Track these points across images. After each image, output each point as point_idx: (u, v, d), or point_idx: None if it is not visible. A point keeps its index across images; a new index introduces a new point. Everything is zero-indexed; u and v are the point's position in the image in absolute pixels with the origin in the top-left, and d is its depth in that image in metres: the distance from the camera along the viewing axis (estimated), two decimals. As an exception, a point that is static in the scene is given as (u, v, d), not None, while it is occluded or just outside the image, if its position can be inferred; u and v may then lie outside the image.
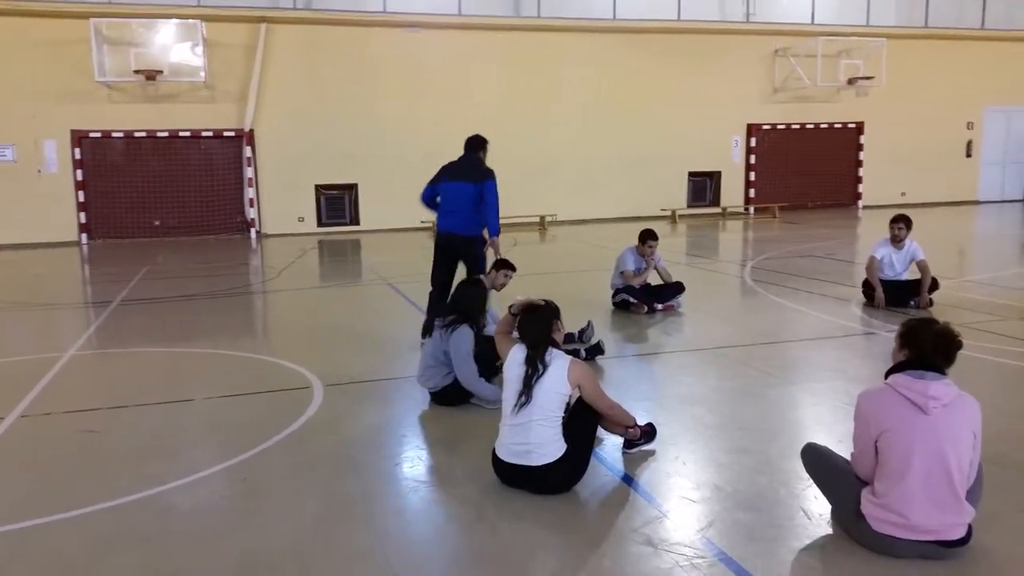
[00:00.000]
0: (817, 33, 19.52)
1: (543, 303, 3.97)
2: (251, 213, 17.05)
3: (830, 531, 3.29)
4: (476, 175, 6.78)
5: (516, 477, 3.67)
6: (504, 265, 6.42)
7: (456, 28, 17.73)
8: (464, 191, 6.75)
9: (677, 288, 8.23)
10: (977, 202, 22.01)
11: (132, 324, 8.31)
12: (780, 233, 16.08)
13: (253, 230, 17.01)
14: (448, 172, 6.97)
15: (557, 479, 3.63)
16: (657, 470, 4.01)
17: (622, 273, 8.12)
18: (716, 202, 20.33)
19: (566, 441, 3.63)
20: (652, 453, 4.20)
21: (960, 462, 2.96)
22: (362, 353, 6.69)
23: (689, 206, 20.05)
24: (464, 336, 4.95)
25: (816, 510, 3.45)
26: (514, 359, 3.76)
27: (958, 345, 3.07)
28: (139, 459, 4.33)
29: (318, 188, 17.59)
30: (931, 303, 7.91)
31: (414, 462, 4.28)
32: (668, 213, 19.39)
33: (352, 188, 17.79)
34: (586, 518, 3.55)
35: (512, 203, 18.32)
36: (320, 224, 17.69)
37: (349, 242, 16.38)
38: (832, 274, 10.36)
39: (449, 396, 5.02)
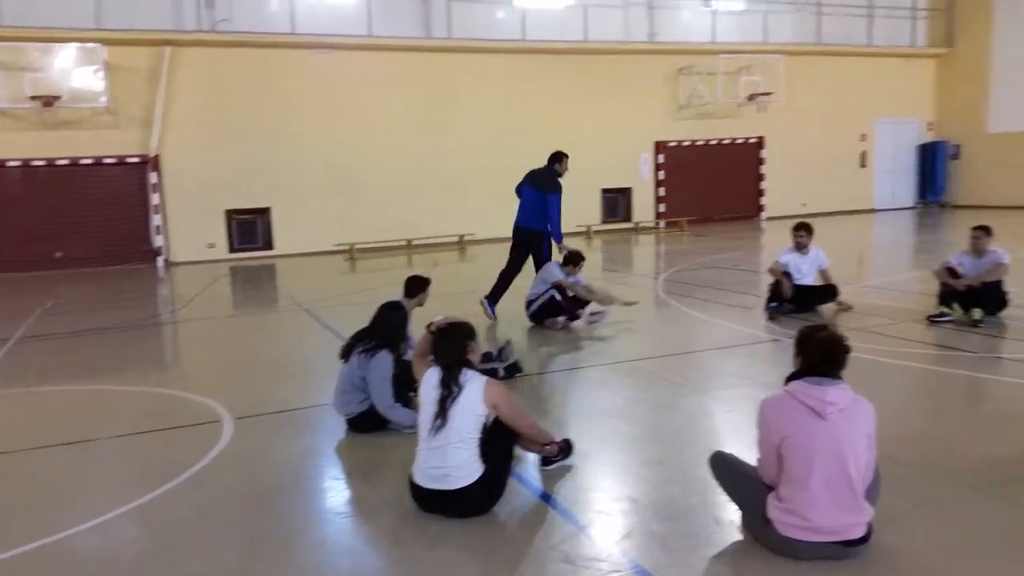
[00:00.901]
0: (718, 51, 20.28)
1: (459, 323, 3.97)
2: (158, 241, 16.46)
3: (740, 537, 3.39)
4: (544, 186, 8.52)
5: (434, 502, 3.65)
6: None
7: (366, 49, 17.64)
8: (533, 196, 8.59)
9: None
10: (873, 210, 23.19)
11: (31, 362, 7.88)
12: (689, 246, 16.57)
13: (160, 259, 16.42)
14: (529, 177, 8.94)
15: (475, 501, 3.62)
16: (575, 485, 4.06)
17: (554, 283, 8.13)
18: (628, 217, 20.77)
19: (483, 462, 3.64)
20: (570, 468, 4.25)
21: (858, 464, 3.09)
22: (276, 382, 6.54)
23: (603, 222, 20.44)
24: (382, 361, 4.88)
25: (727, 517, 3.55)
26: (429, 382, 3.75)
27: (843, 351, 3.17)
28: (36, 506, 4.11)
29: (229, 213, 17.12)
30: (847, 307, 8.27)
31: (331, 493, 4.20)
32: (583, 229, 19.70)
33: (264, 212, 17.40)
34: (504, 539, 3.56)
35: (429, 223, 18.50)
36: (232, 250, 17.20)
37: (263, 267, 16.01)
38: (738, 284, 10.73)
39: (366, 423, 4.94)
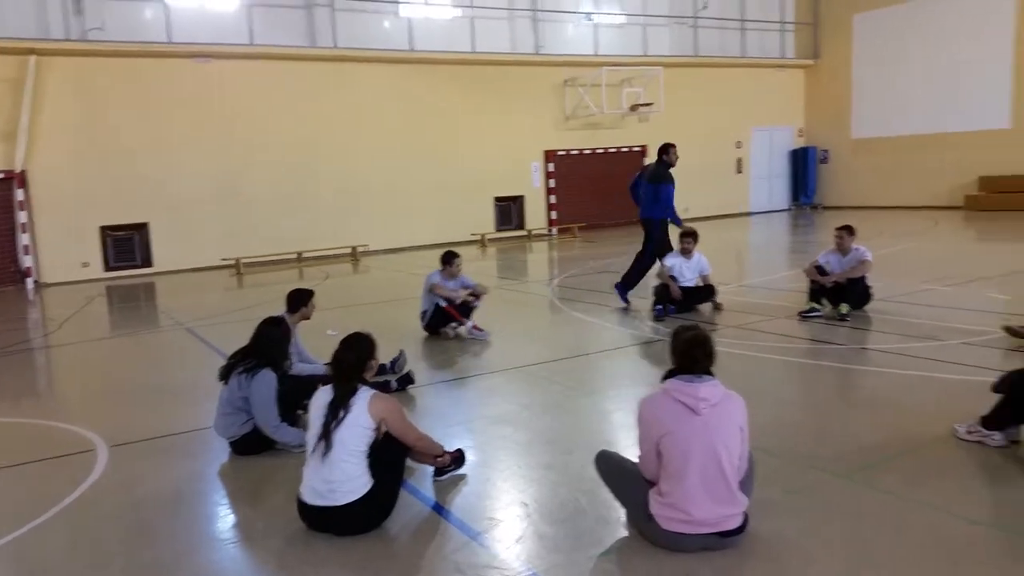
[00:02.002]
0: (601, 63, 20.87)
1: (362, 336, 3.87)
2: (26, 261, 15.41)
3: (625, 534, 3.49)
4: (655, 178, 9.20)
5: (322, 520, 3.57)
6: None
7: (248, 58, 17.14)
8: (648, 189, 9.24)
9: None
10: (749, 213, 24.38)
11: None
12: (581, 252, 16.92)
13: (30, 280, 15.38)
14: (642, 171, 9.75)
15: (364, 517, 3.57)
16: (468, 494, 4.07)
17: (432, 288, 8.13)
18: (522, 225, 21.03)
19: (372, 476, 3.59)
20: (463, 477, 4.26)
21: (731, 457, 3.24)
22: (154, 406, 6.24)
23: (497, 230, 20.60)
24: (265, 380, 4.72)
25: (614, 515, 3.65)
26: (319, 400, 3.67)
27: (706, 349, 3.30)
28: None
29: (104, 230, 16.23)
30: (720, 306, 8.72)
31: (214, 518, 4.05)
32: (478, 238, 19.80)
33: (142, 228, 16.59)
34: (396, 553, 3.53)
35: (321, 235, 18.14)
36: (107, 268, 16.30)
37: (141, 286, 15.24)
38: (628, 288, 11.03)
39: (250, 444, 4.78)
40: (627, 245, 17.55)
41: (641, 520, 3.36)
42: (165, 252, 16.67)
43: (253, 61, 17.19)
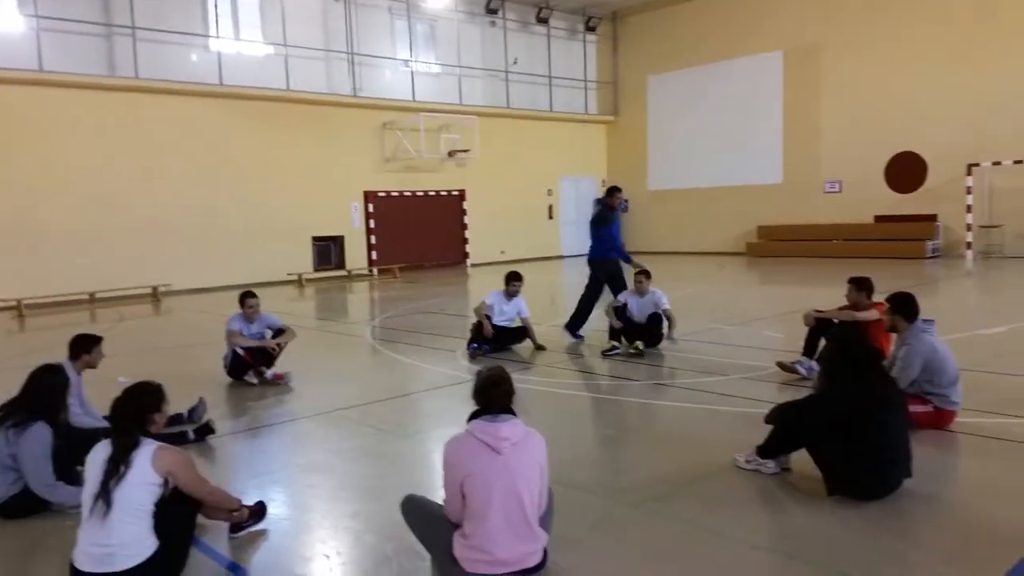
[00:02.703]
0: (418, 109, 21.20)
1: (145, 385, 3.61)
2: None
3: (431, 578, 3.49)
4: (595, 222, 9.90)
5: (99, 588, 3.26)
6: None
7: (38, 85, 15.71)
8: (592, 231, 9.81)
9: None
10: (561, 256, 25.54)
11: None
12: (401, 292, 16.89)
13: None
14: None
15: (148, 582, 3.30)
16: (267, 550, 3.89)
17: (228, 336, 7.78)
18: (342, 265, 20.69)
19: (158, 536, 3.33)
20: (263, 533, 4.06)
21: (532, 495, 3.32)
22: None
23: (316, 270, 20.11)
24: (37, 435, 4.25)
25: (418, 563, 3.61)
26: (96, 456, 3.37)
27: (500, 389, 3.37)
28: None
29: None
30: (541, 347, 8.99)
31: (-28, 595, 3.59)
32: (295, 277, 19.21)
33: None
34: (188, 617, 3.31)
35: (119, 274, 16.78)
36: None
37: None
38: (444, 328, 11.15)
39: (20, 506, 4.28)
40: (447, 286, 17.81)
41: (445, 564, 3.36)
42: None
43: (44, 88, 15.79)
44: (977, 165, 18.53)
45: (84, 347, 5.48)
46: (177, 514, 3.47)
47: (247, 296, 7.89)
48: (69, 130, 16.14)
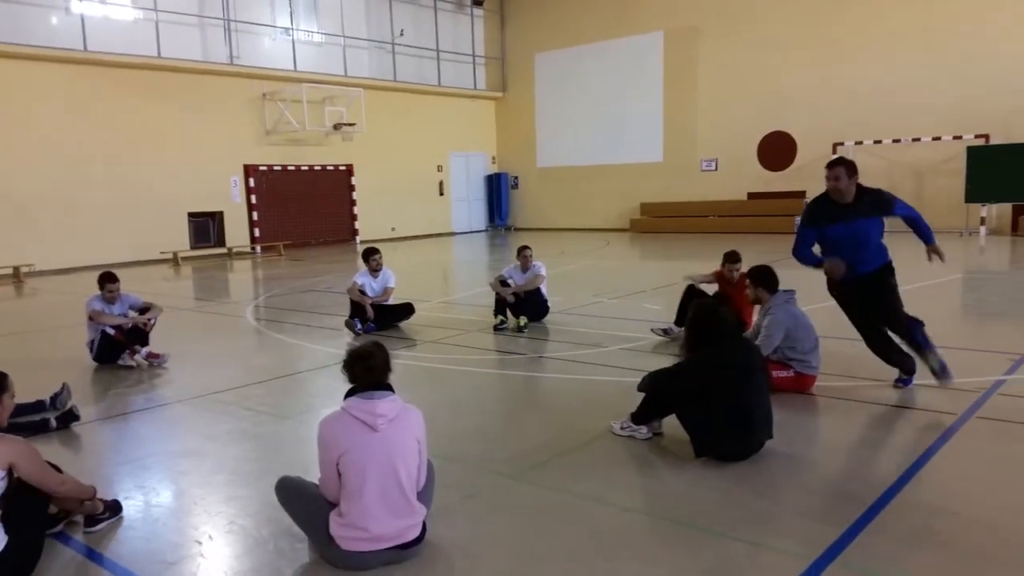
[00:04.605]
0: (300, 80, 20.55)
1: None
2: None
3: (307, 560, 3.45)
4: None
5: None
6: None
7: None
8: None
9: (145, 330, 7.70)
10: (452, 233, 25.51)
11: None
12: (286, 270, 16.44)
13: None
14: None
15: (0, 580, 3.11)
16: (134, 538, 3.74)
17: (92, 316, 7.38)
18: (222, 242, 19.90)
19: (6, 533, 3.14)
20: (133, 521, 3.90)
21: (409, 469, 3.34)
22: None
23: (193, 247, 19.27)
24: None
25: (295, 544, 3.57)
26: None
27: (365, 363, 3.33)
28: None
29: None
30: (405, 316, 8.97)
31: None
32: (170, 256, 18.36)
33: None
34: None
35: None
36: None
37: None
38: (330, 306, 10.93)
39: None
40: (334, 263, 17.44)
41: (322, 543, 3.34)
42: None
43: None
44: (842, 144, 19.75)
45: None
46: (25, 508, 3.27)
47: (107, 279, 7.46)
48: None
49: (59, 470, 3.61)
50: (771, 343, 5.64)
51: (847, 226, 5.48)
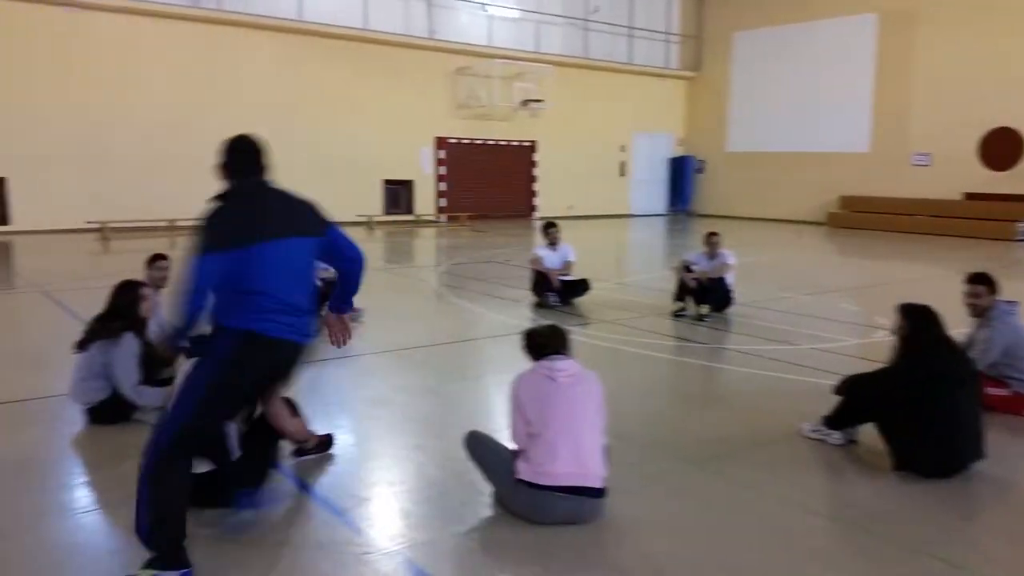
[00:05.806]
0: (493, 55, 20.97)
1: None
2: None
3: (490, 513, 3.59)
4: None
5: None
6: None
7: (122, 12, 16.12)
8: None
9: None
10: (630, 215, 25.22)
11: None
12: (468, 240, 17.00)
13: None
14: None
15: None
16: (334, 473, 4.06)
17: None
18: (411, 210, 20.88)
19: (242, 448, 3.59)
20: (330, 457, 4.23)
21: (590, 419, 3.52)
22: (2, 371, 5.83)
23: (385, 213, 20.36)
24: (129, 345, 4.58)
25: (479, 497, 3.72)
26: None
27: (541, 340, 3.72)
28: None
29: (-49, 182, 14.90)
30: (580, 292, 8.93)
31: (65, 487, 3.84)
32: (365, 219, 19.52)
33: (-1, 182, 15.35)
34: (258, 529, 3.46)
35: (194, 203, 17.18)
36: (-45, 222, 14.99)
37: (-6, 245, 14.11)
38: (509, 279, 11.18)
39: (108, 411, 4.58)
40: (512, 237, 17.82)
41: (507, 488, 3.51)
42: (25, 210, 15.50)
43: (126, 16, 16.19)
44: (1080, 145, 17.47)
45: (148, 264, 5.73)
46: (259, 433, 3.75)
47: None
48: (148, 59, 16.49)
49: (295, 410, 4.07)
50: (989, 357, 5.14)
51: None
